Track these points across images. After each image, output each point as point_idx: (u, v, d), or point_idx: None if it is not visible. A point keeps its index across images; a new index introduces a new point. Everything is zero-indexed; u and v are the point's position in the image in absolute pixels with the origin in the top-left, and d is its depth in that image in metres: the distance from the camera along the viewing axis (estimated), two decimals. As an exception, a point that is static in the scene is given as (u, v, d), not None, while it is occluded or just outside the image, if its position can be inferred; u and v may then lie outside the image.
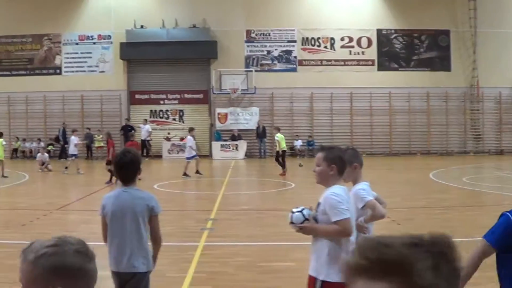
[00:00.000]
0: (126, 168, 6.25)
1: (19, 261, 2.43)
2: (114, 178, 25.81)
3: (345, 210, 5.46)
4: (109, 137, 28.58)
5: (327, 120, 45.19)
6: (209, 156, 43.76)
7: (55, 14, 44.44)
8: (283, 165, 29.82)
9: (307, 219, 5.65)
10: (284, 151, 30.35)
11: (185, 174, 28.35)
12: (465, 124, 45.38)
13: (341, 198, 5.51)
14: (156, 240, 6.36)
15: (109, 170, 26.17)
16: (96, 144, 43.46)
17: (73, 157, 31.95)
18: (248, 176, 29.46)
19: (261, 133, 43.32)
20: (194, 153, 29.32)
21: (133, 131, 38.45)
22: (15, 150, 44.56)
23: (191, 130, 30.55)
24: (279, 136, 30.45)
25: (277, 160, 30.72)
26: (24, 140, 44.80)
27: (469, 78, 45.26)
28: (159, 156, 43.67)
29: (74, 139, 31.91)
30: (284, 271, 10.28)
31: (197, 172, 28.93)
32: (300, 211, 5.68)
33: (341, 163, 5.71)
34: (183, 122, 45.28)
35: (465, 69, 45.29)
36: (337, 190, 5.59)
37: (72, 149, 31.69)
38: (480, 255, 4.68)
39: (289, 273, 10.14)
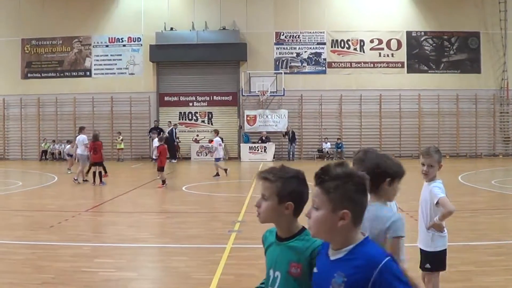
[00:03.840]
0: None
1: None
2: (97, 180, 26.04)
3: None
4: (95, 139, 26.46)
5: (356, 122, 45.08)
6: (237, 158, 43.90)
7: (86, 17, 44.89)
8: None
9: None
10: None
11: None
12: (494, 127, 45.06)
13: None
14: None
15: (94, 173, 26.29)
16: (118, 146, 43.82)
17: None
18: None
19: (291, 137, 43.37)
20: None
21: (162, 133, 38.36)
22: (44, 152, 44.92)
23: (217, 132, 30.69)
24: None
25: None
26: (53, 141, 45.13)
27: (498, 80, 44.92)
28: (188, 158, 43.88)
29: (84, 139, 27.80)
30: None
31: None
32: None
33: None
34: (211, 124, 45.38)
35: (495, 71, 44.95)
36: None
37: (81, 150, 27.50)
38: None
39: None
